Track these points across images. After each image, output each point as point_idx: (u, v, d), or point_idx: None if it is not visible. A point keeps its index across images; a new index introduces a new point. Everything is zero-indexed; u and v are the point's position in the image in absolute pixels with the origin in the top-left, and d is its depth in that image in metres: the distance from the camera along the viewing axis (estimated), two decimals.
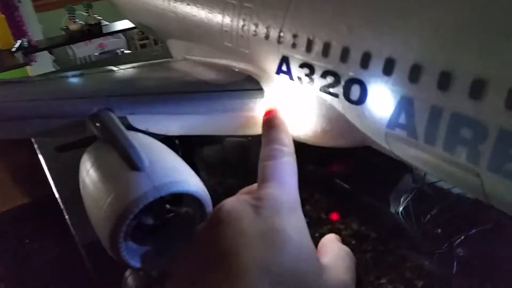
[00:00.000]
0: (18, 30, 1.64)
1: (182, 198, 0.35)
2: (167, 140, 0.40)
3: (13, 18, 1.63)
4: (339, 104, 0.38)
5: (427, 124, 0.30)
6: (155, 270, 0.34)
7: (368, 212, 0.51)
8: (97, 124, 0.38)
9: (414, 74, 0.30)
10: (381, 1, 0.34)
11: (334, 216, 0.51)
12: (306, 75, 0.40)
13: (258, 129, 0.45)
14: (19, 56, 1.39)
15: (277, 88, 0.45)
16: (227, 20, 0.50)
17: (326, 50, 0.37)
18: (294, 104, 0.43)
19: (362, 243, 0.46)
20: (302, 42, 0.39)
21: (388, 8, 0.33)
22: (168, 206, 0.35)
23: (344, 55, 0.36)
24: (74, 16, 1.52)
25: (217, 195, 0.33)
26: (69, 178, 0.41)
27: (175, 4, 0.59)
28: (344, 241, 0.37)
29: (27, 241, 0.88)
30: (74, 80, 0.48)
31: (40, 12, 1.88)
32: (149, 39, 2.41)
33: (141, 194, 0.30)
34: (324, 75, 0.38)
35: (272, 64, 0.44)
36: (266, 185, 0.31)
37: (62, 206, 0.58)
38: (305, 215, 0.32)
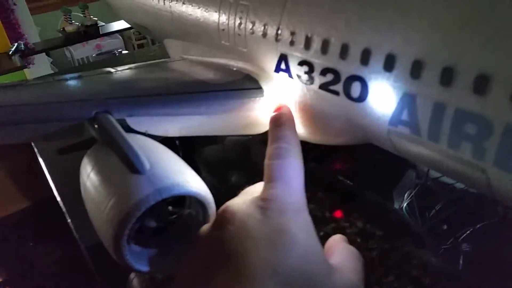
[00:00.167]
0: (14, 33, 1.64)
1: (185, 200, 0.35)
2: (167, 141, 0.40)
3: (9, 21, 1.63)
4: (339, 101, 0.37)
5: (430, 120, 0.30)
6: (160, 272, 0.33)
7: (372, 209, 0.51)
8: (96, 127, 0.38)
9: (416, 70, 0.30)
10: None
11: (338, 214, 0.50)
12: (306, 72, 0.39)
13: (258, 129, 0.45)
14: (16, 59, 1.38)
15: (276, 86, 0.44)
16: (223, 18, 0.49)
17: (325, 47, 0.37)
18: (294, 102, 0.42)
19: (367, 241, 0.46)
20: (300, 39, 0.39)
21: (387, 3, 0.33)
22: (170, 208, 0.34)
23: (344, 52, 0.35)
24: (70, 18, 1.52)
25: (219, 195, 0.33)
26: (70, 181, 0.40)
27: (170, 4, 0.59)
28: (349, 240, 0.37)
29: (30, 244, 0.89)
30: (71, 83, 0.47)
31: (36, 15, 1.87)
32: (146, 39, 2.41)
33: (143, 197, 0.30)
34: (323, 72, 0.37)
35: (270, 63, 0.43)
36: (272, 186, 0.31)
37: (64, 209, 0.58)
38: (309, 213, 0.32)
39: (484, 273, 0.41)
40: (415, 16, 0.31)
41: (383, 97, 0.33)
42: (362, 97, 0.35)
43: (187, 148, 0.52)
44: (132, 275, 0.47)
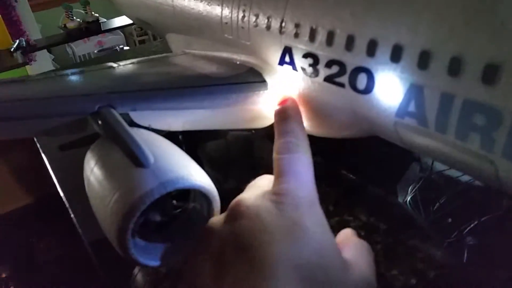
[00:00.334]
0: (15, 29, 1.63)
1: (189, 194, 0.34)
2: (170, 135, 0.40)
3: (10, 18, 1.62)
4: (345, 94, 0.37)
5: (438, 111, 0.30)
6: (165, 266, 0.33)
7: (376, 203, 0.51)
8: (99, 122, 0.37)
9: (423, 60, 0.30)
10: None
11: (342, 207, 0.50)
12: (310, 65, 0.39)
13: (262, 122, 0.45)
14: (18, 56, 1.38)
15: (280, 79, 0.44)
16: (226, 11, 0.49)
17: (330, 39, 0.36)
18: (299, 95, 0.42)
19: (371, 235, 0.45)
20: (305, 31, 0.38)
21: None
22: (175, 202, 0.34)
23: (349, 43, 0.35)
24: (71, 14, 1.51)
25: (222, 190, 0.33)
26: (73, 176, 0.40)
27: None
28: None
29: (32, 240, 0.89)
30: (73, 77, 0.47)
31: (37, 11, 1.87)
32: (148, 35, 2.40)
33: (147, 191, 0.29)
34: (329, 64, 0.37)
35: (274, 55, 0.43)
36: (284, 180, 0.31)
37: (67, 205, 0.58)
38: None
39: (489, 266, 0.41)
40: (422, 5, 0.30)
41: (389, 89, 0.33)
42: (368, 89, 0.34)
43: (190, 143, 0.52)
44: (136, 270, 0.47)
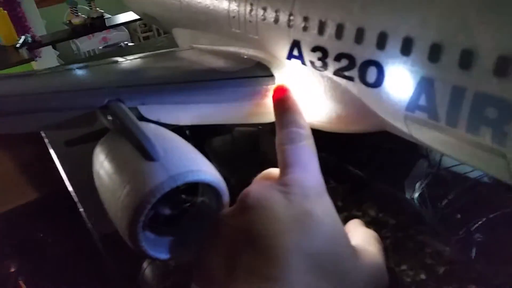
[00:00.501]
0: (21, 26, 1.64)
1: (197, 188, 0.35)
2: (178, 130, 0.40)
3: (16, 14, 1.63)
4: (354, 87, 0.37)
5: (449, 105, 0.29)
6: (174, 260, 0.34)
7: (384, 199, 0.51)
8: (109, 116, 0.37)
9: (434, 53, 0.29)
10: None
11: (350, 203, 0.50)
12: (319, 58, 0.39)
13: (270, 117, 0.45)
14: (24, 52, 1.38)
15: (288, 73, 0.44)
16: (234, 5, 0.48)
17: (339, 32, 0.36)
18: (307, 89, 0.42)
19: (381, 230, 0.45)
20: (313, 24, 0.38)
21: None
22: (184, 196, 0.34)
23: (359, 36, 0.34)
24: (76, 10, 1.51)
25: (229, 185, 0.33)
26: (81, 170, 0.41)
27: None
28: None
29: (41, 235, 0.89)
30: (82, 72, 0.47)
31: (42, 7, 1.87)
32: (152, 31, 2.40)
33: (157, 184, 0.30)
34: (338, 58, 0.37)
35: (282, 49, 0.43)
36: (290, 171, 0.31)
37: (76, 199, 0.58)
38: None
39: (497, 262, 0.41)
40: None
41: (399, 82, 0.32)
42: (378, 83, 0.34)
43: (197, 138, 0.52)
44: (145, 264, 0.47)
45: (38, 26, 1.77)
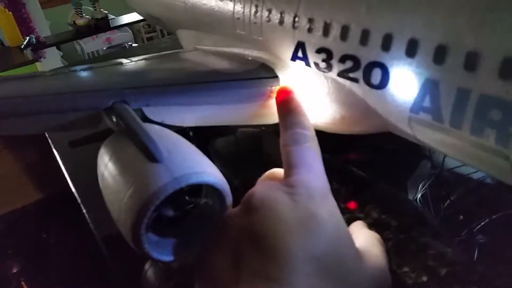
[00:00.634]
0: (25, 27, 1.65)
1: (201, 190, 0.35)
2: (181, 131, 0.40)
3: (20, 15, 1.64)
4: (359, 89, 0.37)
5: (454, 107, 0.29)
6: (177, 261, 0.34)
7: (387, 200, 0.51)
8: (114, 117, 0.38)
9: (439, 55, 0.29)
10: None
11: (353, 205, 0.50)
12: (324, 60, 0.39)
13: (275, 118, 0.45)
14: (28, 53, 1.39)
15: (293, 75, 0.44)
16: (238, 7, 0.49)
17: (344, 34, 0.36)
18: (311, 90, 0.42)
19: (383, 232, 0.45)
20: (318, 26, 0.38)
21: None
22: (187, 197, 0.34)
23: (364, 38, 0.34)
24: (80, 11, 1.52)
25: (232, 186, 0.33)
26: (85, 172, 0.41)
27: None
28: None
29: (44, 235, 0.90)
30: (86, 73, 0.47)
31: (47, 8, 1.88)
32: (156, 32, 2.41)
33: (161, 186, 0.30)
34: (342, 59, 0.37)
35: (287, 51, 0.43)
36: (295, 172, 0.31)
37: (79, 200, 0.58)
38: None
39: (499, 264, 0.40)
40: None
41: (404, 84, 0.32)
42: (382, 84, 0.34)
43: (201, 139, 0.52)
44: (147, 265, 0.47)
45: (43, 27, 1.78)
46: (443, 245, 0.44)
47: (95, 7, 1.53)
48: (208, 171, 0.32)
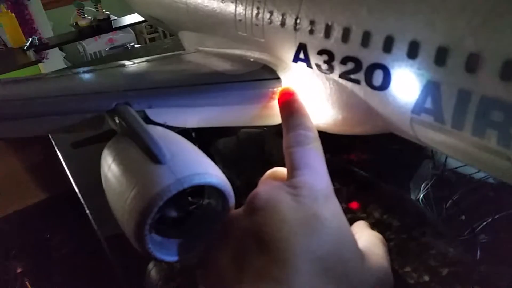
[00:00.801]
0: (28, 28, 1.66)
1: (203, 191, 0.35)
2: (184, 132, 0.40)
3: (23, 16, 1.64)
4: (360, 90, 0.37)
5: (455, 108, 0.30)
6: (180, 262, 0.34)
7: (389, 200, 0.51)
8: (116, 119, 0.38)
9: (441, 57, 0.29)
10: None
11: (355, 205, 0.50)
12: (325, 62, 0.39)
13: (276, 119, 0.45)
14: (31, 54, 1.40)
15: (295, 76, 0.44)
16: (240, 8, 0.49)
17: (346, 35, 0.36)
18: (313, 92, 0.42)
19: (385, 232, 0.45)
20: (320, 28, 0.38)
21: None
22: (190, 198, 0.35)
23: (365, 39, 0.34)
24: (83, 12, 1.53)
25: (234, 187, 0.33)
26: (88, 172, 0.41)
27: None
28: None
29: (47, 236, 0.90)
30: (89, 75, 0.48)
31: (49, 10, 1.88)
32: (158, 33, 2.42)
33: (164, 187, 0.30)
34: (344, 61, 0.37)
35: (288, 52, 0.43)
36: (299, 173, 0.31)
37: (82, 201, 0.58)
38: None
39: (502, 264, 0.40)
40: (439, 0, 0.30)
41: (406, 85, 0.33)
42: (384, 86, 0.34)
43: (203, 140, 0.52)
44: (151, 265, 0.47)
45: (45, 28, 1.78)
46: (445, 245, 0.44)
47: (97, 8, 1.53)
48: (210, 172, 0.32)
